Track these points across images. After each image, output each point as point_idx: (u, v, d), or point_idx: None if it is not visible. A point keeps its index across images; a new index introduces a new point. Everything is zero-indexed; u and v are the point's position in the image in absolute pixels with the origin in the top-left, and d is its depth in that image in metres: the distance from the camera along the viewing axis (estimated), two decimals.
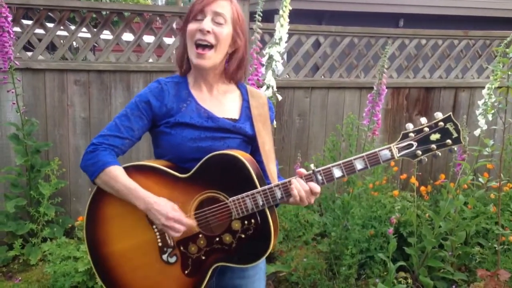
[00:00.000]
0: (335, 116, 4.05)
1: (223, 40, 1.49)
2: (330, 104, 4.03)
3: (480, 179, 2.84)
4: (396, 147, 1.40)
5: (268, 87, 2.56)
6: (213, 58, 1.49)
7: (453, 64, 4.33)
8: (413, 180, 3.06)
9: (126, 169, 1.51)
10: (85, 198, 3.51)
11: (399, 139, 1.41)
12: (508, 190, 3.42)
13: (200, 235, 1.48)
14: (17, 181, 3.23)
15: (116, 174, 1.47)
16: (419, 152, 1.39)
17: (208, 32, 1.46)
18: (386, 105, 4.10)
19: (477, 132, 2.93)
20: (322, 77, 4.07)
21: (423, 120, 1.40)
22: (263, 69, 2.57)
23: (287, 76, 3.97)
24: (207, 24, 1.46)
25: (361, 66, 4.10)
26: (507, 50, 2.54)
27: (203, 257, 1.49)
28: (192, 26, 1.49)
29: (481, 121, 2.88)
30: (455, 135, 1.38)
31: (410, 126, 1.41)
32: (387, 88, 2.87)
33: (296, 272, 2.96)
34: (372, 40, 4.07)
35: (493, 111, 2.77)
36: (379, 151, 1.40)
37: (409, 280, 2.83)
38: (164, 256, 1.51)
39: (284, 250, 3.17)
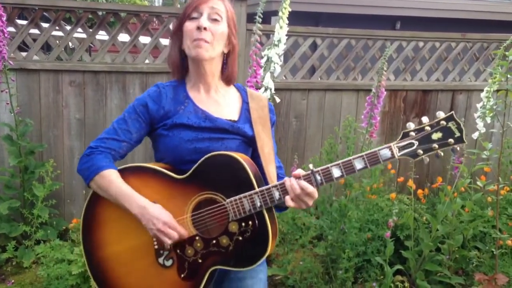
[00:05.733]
0: (332, 118, 4.03)
1: (219, 38, 1.49)
2: (327, 106, 4.01)
3: (478, 183, 2.82)
4: (397, 146, 1.36)
5: (266, 89, 2.54)
6: (210, 51, 1.49)
7: (451, 67, 4.32)
8: (410, 183, 3.04)
9: (123, 171, 1.50)
10: (79, 200, 3.47)
11: (399, 138, 1.37)
12: (505, 194, 3.41)
13: (197, 238, 1.46)
14: (10, 182, 3.20)
15: (111, 178, 1.46)
16: (420, 151, 1.35)
17: (205, 29, 1.46)
18: (383, 108, 4.09)
19: (475, 135, 2.91)
20: (319, 79, 4.05)
21: (425, 119, 1.37)
22: (261, 71, 2.55)
23: (284, 78, 3.95)
24: (204, 21, 1.46)
25: (359, 68, 4.09)
26: (507, 53, 2.53)
27: (200, 260, 1.46)
28: (189, 25, 1.48)
29: (480, 124, 2.86)
30: (458, 134, 1.34)
31: (411, 125, 1.37)
32: (384, 90, 2.85)
33: (293, 276, 2.94)
34: (369, 42, 4.06)
35: (492, 114, 2.75)
36: (378, 150, 1.36)
37: (406, 284, 2.81)
38: (160, 259, 1.49)
39: (280, 253, 3.14)
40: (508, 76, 2.56)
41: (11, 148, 3.14)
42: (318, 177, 1.39)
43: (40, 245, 2.96)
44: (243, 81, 2.72)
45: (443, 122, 1.35)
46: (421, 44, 4.18)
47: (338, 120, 4.01)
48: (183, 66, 1.57)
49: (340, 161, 1.39)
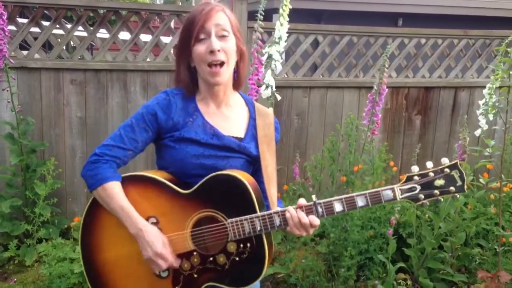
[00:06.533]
0: (334, 115, 4.02)
1: (231, 54, 1.48)
2: (328, 103, 4.00)
3: (480, 180, 2.81)
4: (399, 189, 1.40)
5: (267, 87, 2.53)
6: (227, 72, 1.49)
7: (453, 63, 4.30)
8: None
9: (126, 179, 1.50)
10: (81, 199, 3.47)
11: (403, 180, 1.41)
12: (508, 191, 3.40)
13: (195, 253, 1.47)
14: (12, 181, 3.20)
15: (113, 192, 1.46)
16: (422, 196, 1.39)
17: (219, 51, 1.44)
18: (385, 105, 4.08)
19: (477, 132, 2.91)
20: (321, 76, 4.04)
21: (429, 164, 1.40)
22: (263, 69, 2.54)
23: (286, 76, 3.94)
24: (215, 43, 1.44)
25: (360, 65, 4.08)
26: (509, 49, 2.51)
27: (195, 275, 1.47)
28: (199, 48, 1.45)
29: (482, 121, 2.85)
30: (459, 183, 1.38)
31: (415, 169, 1.41)
32: (386, 87, 2.84)
33: (295, 274, 2.93)
34: (371, 39, 4.05)
35: (494, 111, 2.74)
36: (382, 190, 1.40)
37: (409, 282, 2.80)
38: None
39: (282, 251, 3.14)
40: (511, 72, 2.55)
41: (12, 147, 3.14)
42: (320, 209, 1.42)
43: (42, 244, 2.97)
44: (244, 79, 2.72)
45: (447, 170, 1.39)
46: (423, 41, 4.17)
47: (340, 117, 4.00)
48: (193, 82, 1.54)
49: (343, 196, 1.41)
